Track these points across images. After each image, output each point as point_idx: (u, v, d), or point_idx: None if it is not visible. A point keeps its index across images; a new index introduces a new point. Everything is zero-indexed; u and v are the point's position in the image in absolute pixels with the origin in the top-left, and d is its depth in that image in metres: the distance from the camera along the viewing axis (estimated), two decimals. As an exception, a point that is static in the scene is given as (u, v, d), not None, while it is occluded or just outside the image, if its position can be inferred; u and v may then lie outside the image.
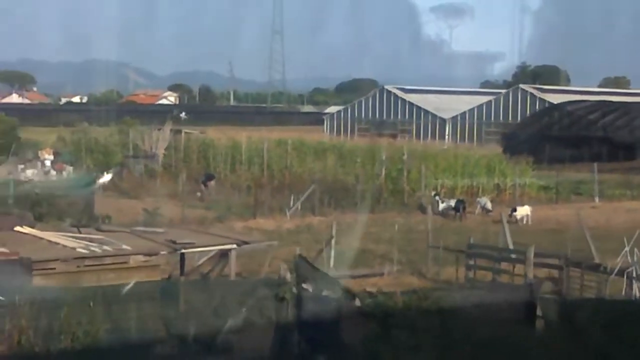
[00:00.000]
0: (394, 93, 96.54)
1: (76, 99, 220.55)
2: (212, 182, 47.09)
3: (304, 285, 14.45)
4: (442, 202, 40.99)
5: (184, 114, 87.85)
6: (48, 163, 52.75)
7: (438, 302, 14.35)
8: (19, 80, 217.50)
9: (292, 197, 41.51)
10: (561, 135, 70.35)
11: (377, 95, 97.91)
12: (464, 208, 41.49)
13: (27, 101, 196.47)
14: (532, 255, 22.80)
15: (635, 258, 21.39)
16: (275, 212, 40.49)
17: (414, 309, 13.80)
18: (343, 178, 44.36)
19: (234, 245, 19.91)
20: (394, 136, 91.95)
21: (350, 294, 14.96)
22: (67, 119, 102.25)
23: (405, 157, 45.12)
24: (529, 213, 39.32)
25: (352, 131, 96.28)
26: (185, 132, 63.71)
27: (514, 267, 24.84)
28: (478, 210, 42.28)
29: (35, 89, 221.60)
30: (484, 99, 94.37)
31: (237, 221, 38.11)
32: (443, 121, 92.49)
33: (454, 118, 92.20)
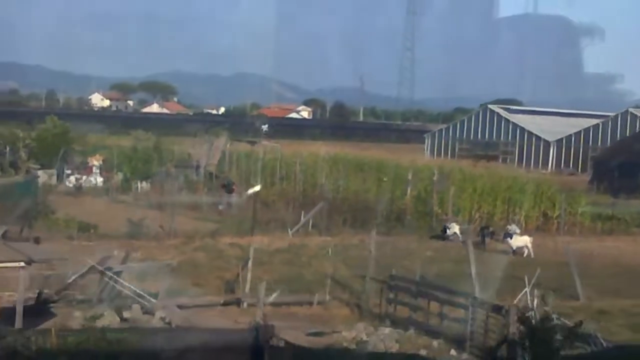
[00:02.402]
0: (498, 113, 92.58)
1: (220, 110, 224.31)
2: (234, 190, 45.23)
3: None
4: (450, 229, 37.92)
5: (265, 126, 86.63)
6: (96, 169, 52.33)
7: (113, 344, 11.97)
8: (161, 90, 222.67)
9: (302, 215, 39.36)
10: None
11: (480, 114, 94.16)
12: (489, 235, 38.31)
13: (166, 111, 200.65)
14: (262, 294, 19.86)
15: (535, 301, 18.24)
16: (281, 229, 38.48)
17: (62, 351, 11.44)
18: (367, 198, 41.69)
19: (21, 264, 17.92)
20: (495, 158, 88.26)
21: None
22: (195, 129, 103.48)
23: (435, 178, 42.00)
24: (529, 244, 35.72)
25: (453, 151, 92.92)
26: (262, 145, 62.58)
27: (428, 303, 21.96)
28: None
29: (175, 99, 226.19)
30: (594, 121, 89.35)
31: (229, 237, 36.25)
32: (547, 144, 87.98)
33: (559, 141, 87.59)
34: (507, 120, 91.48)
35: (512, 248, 35.89)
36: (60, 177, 50.28)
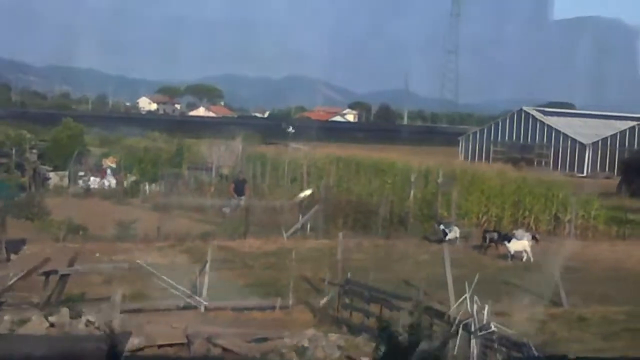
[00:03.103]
0: (532, 115, 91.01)
1: (266, 114, 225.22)
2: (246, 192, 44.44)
3: None
4: (450, 232, 36.96)
5: (290, 128, 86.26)
6: (109, 171, 52.20)
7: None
8: (207, 94, 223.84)
9: (300, 218, 38.73)
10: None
11: (515, 116, 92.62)
12: (495, 239, 37.25)
13: (212, 114, 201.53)
14: (117, 301, 19.04)
15: (475, 307, 17.37)
16: (278, 233, 37.86)
17: None
18: (370, 201, 40.92)
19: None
20: (530, 162, 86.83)
21: None
22: (236, 132, 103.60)
23: (440, 180, 41.08)
24: (528, 248, 34.61)
25: (488, 154, 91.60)
26: (290, 147, 62.20)
27: (380, 309, 21.15)
28: None
29: (222, 103, 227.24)
30: (631, 124, 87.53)
31: (221, 239, 35.75)
32: (583, 147, 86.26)
33: (595, 144, 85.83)
34: (542, 123, 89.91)
35: (509, 252, 34.79)
36: (73, 179, 50.18)
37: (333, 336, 20.02)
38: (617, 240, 42.51)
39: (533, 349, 15.78)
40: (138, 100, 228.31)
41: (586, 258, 36.54)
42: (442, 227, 37.20)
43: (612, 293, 29.09)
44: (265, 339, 19.26)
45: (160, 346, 18.61)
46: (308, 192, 41.63)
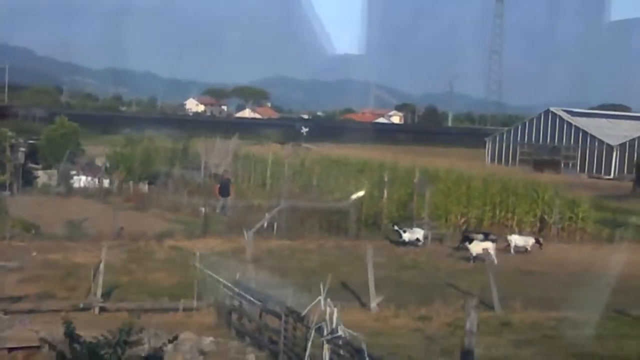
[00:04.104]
0: (560, 116, 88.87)
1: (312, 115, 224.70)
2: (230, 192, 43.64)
3: None
4: (405, 233, 35.79)
5: (304, 128, 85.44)
6: (102, 170, 51.86)
7: None
8: (253, 96, 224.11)
9: (266, 217, 37.78)
10: None
11: (542, 117, 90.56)
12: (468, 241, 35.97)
13: (258, 116, 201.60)
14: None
15: (328, 310, 16.31)
16: (241, 233, 36.95)
17: None
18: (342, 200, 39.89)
19: None
20: (557, 164, 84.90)
21: None
22: (276, 133, 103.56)
23: (416, 180, 39.87)
24: (491, 250, 33.26)
25: (514, 155, 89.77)
26: (303, 147, 61.41)
27: (260, 315, 20.13)
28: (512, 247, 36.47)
29: (269, 104, 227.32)
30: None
31: (178, 239, 35.06)
32: (610, 148, 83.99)
33: (622, 145, 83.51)
34: (569, 124, 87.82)
35: (471, 254, 33.51)
36: (65, 177, 49.91)
37: (206, 340, 19.13)
38: (604, 244, 40.91)
39: (366, 356, 14.69)
40: (185, 102, 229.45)
41: (556, 262, 35.21)
42: (396, 228, 36.09)
43: (562, 298, 27.73)
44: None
45: (10, 349, 17.90)
46: (361, 193, 40.43)
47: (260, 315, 19.72)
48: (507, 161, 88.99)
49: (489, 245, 33.96)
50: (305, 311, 16.97)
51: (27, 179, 49.02)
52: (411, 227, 36.51)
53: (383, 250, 35.53)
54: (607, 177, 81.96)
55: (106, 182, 50.33)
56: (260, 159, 51.44)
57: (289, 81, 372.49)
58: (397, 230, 35.73)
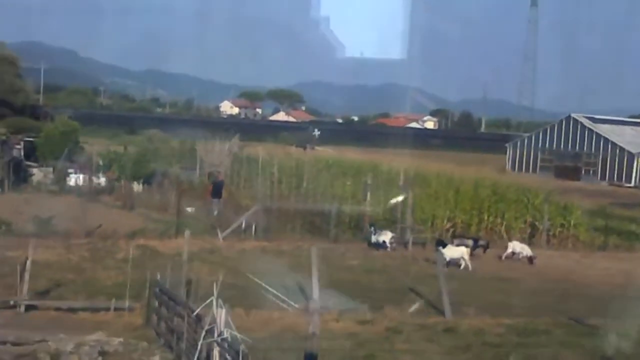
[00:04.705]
0: (581, 122, 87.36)
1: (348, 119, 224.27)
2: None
3: None
4: (376, 234, 35.14)
5: (316, 131, 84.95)
6: (100, 169, 51.71)
7: None
8: (288, 99, 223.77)
9: (243, 219, 37.39)
10: None
11: (564, 123, 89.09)
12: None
13: (291, 119, 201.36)
14: None
15: (223, 314, 15.70)
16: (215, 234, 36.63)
17: None
18: (326, 203, 39.32)
19: None
20: (576, 172, 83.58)
21: None
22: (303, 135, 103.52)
23: (401, 183, 39.15)
24: (465, 256, 32.46)
25: (535, 162, 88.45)
26: (312, 149, 61.01)
27: (174, 314, 19.56)
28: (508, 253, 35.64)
29: (303, 108, 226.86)
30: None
31: (150, 238, 34.68)
32: (632, 156, 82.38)
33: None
34: (591, 130, 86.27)
35: (445, 259, 32.65)
36: (61, 175, 49.81)
37: (114, 341, 18.65)
38: (596, 251, 39.95)
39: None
40: (220, 104, 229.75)
41: (536, 269, 34.28)
42: (372, 229, 35.46)
43: (524, 305, 26.93)
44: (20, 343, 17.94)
45: None
46: (400, 197, 39.78)
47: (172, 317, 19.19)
48: (527, 168, 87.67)
49: (463, 250, 33.20)
50: (197, 311, 16.39)
51: (23, 177, 48.95)
52: (395, 230, 35.85)
53: (358, 253, 34.97)
54: (628, 184, 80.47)
55: (102, 181, 50.11)
56: (258, 160, 50.86)
57: (331, 86, 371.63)
58: (371, 232, 35.13)
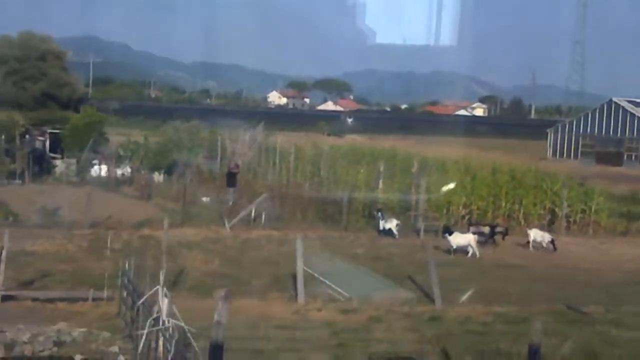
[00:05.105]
0: (623, 106, 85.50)
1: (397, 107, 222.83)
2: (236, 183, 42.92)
3: None
4: (384, 221, 34.57)
5: (349, 119, 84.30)
6: (125, 160, 51.83)
7: None
8: (336, 88, 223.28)
9: (252, 207, 37.09)
10: None
11: (605, 107, 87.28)
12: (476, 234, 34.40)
13: (339, 108, 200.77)
14: None
15: (166, 303, 15.34)
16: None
17: None
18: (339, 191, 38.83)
19: None
20: (618, 158, 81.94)
21: None
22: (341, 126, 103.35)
23: (414, 170, 38.51)
24: (473, 243, 31.73)
25: (576, 148, 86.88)
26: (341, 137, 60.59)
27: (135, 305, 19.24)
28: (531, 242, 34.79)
29: (351, 97, 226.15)
30: None
31: (156, 228, 34.43)
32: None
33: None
34: (633, 115, 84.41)
35: (451, 246, 32.05)
36: (84, 166, 49.99)
37: (75, 332, 18.41)
38: (616, 237, 38.96)
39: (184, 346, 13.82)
40: (268, 95, 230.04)
41: (546, 256, 33.43)
42: (380, 214, 34.95)
43: (522, 293, 26.29)
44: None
45: None
46: (451, 185, 39.38)
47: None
48: (568, 154, 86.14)
49: (470, 237, 32.49)
50: (142, 300, 16.06)
51: (46, 168, 49.20)
52: (409, 218, 35.33)
53: (367, 241, 34.45)
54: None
55: (128, 171, 50.18)
56: (283, 150, 50.38)
57: (383, 74, 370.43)
58: (379, 218, 34.71)
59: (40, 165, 48.67)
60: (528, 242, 34.48)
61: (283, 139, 55.32)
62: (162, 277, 15.69)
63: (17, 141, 44.93)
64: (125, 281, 20.12)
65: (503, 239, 35.35)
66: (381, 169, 38.75)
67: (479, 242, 33.23)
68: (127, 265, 20.28)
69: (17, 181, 45.27)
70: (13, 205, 36.84)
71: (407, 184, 39.03)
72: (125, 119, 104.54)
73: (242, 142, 53.19)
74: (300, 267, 23.76)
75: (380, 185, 38.36)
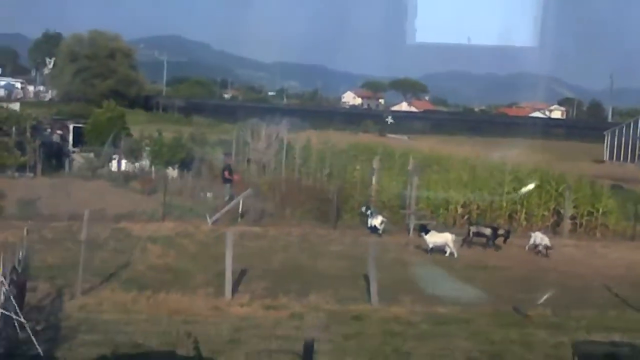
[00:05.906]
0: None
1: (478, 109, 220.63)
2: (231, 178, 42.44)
3: None
4: (372, 218, 33.73)
5: (390, 118, 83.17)
6: (146, 155, 51.89)
7: None
8: (411, 89, 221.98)
9: (234, 203, 36.65)
10: None
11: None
12: (476, 234, 33.35)
13: (413, 109, 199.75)
14: None
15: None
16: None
17: None
18: (332, 187, 38.07)
19: None
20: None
21: None
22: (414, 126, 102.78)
23: (410, 167, 37.51)
24: (450, 242, 30.62)
25: (633, 151, 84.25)
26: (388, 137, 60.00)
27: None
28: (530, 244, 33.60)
29: (427, 98, 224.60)
30: None
31: (138, 222, 34.32)
32: None
33: None
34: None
35: (428, 245, 31.02)
36: (104, 161, 50.20)
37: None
38: (622, 241, 37.33)
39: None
40: (343, 95, 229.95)
41: (528, 258, 32.11)
42: (369, 211, 34.12)
43: (480, 295, 25.17)
44: None
45: None
46: (531, 186, 38.57)
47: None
48: (625, 157, 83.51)
49: (447, 237, 31.36)
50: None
51: (62, 162, 49.50)
52: (405, 216, 34.46)
53: (349, 239, 33.58)
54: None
55: (145, 165, 50.25)
56: (301, 146, 49.70)
57: (464, 75, 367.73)
58: (367, 214, 33.95)
59: (57, 159, 48.93)
60: (530, 245, 33.20)
61: (303, 137, 54.58)
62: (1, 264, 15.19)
63: (28, 134, 45.14)
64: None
65: (504, 242, 34.03)
66: (374, 165, 37.72)
67: (479, 244, 32.30)
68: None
69: (29, 174, 45.56)
70: (9, 197, 36.97)
71: (403, 182, 37.98)
72: (187, 117, 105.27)
73: (261, 138, 52.77)
74: (229, 261, 23.10)
75: (374, 182, 37.36)
